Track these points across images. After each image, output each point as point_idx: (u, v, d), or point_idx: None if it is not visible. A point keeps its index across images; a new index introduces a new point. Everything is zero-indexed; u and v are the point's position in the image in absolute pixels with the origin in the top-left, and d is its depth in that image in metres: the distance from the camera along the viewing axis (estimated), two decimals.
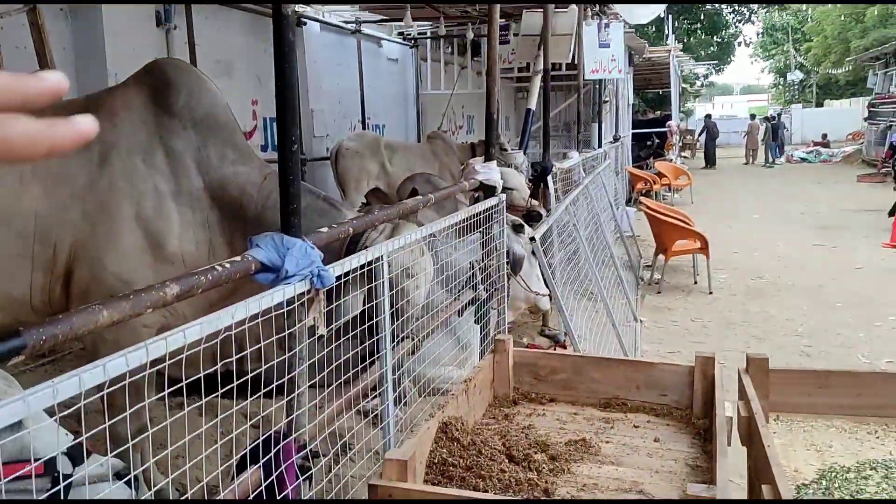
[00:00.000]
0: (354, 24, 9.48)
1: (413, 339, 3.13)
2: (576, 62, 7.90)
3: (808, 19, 41.54)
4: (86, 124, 0.44)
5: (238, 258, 1.89)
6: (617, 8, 8.03)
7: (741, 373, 2.71)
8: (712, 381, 2.76)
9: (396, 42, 11.29)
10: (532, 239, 3.82)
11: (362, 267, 2.38)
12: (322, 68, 9.02)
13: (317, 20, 8.90)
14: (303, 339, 2.04)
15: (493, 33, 3.69)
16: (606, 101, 10.28)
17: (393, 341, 3.03)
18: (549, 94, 5.79)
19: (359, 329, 2.59)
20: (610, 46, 8.71)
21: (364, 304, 2.55)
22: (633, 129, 19.65)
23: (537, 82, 8.10)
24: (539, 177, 5.74)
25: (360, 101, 9.72)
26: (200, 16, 6.81)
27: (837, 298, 7.18)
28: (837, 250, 9.57)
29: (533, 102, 8.07)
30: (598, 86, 9.91)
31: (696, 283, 7.93)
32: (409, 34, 11.49)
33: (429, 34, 11.30)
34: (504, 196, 3.83)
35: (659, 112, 26.66)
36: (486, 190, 3.72)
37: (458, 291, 3.70)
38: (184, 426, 1.66)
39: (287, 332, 2.02)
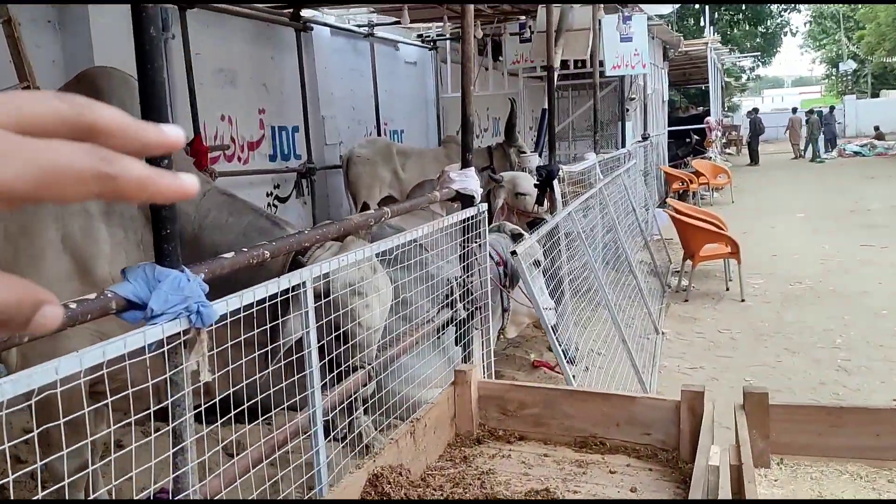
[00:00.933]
0: (367, 28, 9.21)
1: (370, 368, 2.80)
2: (597, 58, 7.47)
3: (860, 6, 39.95)
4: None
5: (93, 295, 1.59)
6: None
7: (736, 410, 2.32)
8: (701, 419, 2.37)
9: (414, 45, 11.00)
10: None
11: (286, 292, 2.07)
12: (334, 74, 8.78)
13: (327, 24, 8.66)
14: (183, 386, 1.74)
15: (466, 30, 3.35)
16: (633, 98, 9.81)
17: (339, 370, 2.72)
18: (553, 92, 5.41)
19: (294, 356, 2.28)
20: (633, 40, 8.28)
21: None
22: (672, 126, 19.09)
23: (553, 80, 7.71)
24: (545, 181, 5.36)
25: (374, 106, 9.44)
26: (201, 24, 6.61)
27: (883, 306, 6.61)
28: (887, 251, 8.92)
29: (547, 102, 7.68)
30: (621, 83, 9.44)
31: (727, 289, 7.43)
32: (429, 36, 11.20)
33: (448, 35, 10.98)
34: (484, 206, 3.48)
35: (702, 108, 25.84)
36: (464, 200, 3.37)
37: (435, 309, 3.37)
38: None
39: (165, 376, 1.72)
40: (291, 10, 7.52)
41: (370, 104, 9.49)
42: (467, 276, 3.35)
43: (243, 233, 2.73)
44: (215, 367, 1.83)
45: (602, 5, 7.54)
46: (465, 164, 3.40)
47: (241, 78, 7.21)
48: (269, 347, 2.23)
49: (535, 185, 5.53)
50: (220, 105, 6.88)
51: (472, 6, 3.45)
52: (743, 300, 7.02)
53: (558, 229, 4.99)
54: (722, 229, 7.57)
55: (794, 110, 26.56)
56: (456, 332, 3.37)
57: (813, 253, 9.08)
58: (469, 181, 3.32)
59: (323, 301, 2.39)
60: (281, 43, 7.76)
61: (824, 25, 43.54)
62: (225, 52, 6.95)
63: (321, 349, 2.65)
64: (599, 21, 7.87)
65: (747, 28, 31.80)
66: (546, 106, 7.69)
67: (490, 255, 4.47)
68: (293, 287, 2.02)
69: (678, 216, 7.33)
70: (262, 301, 1.94)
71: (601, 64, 8.07)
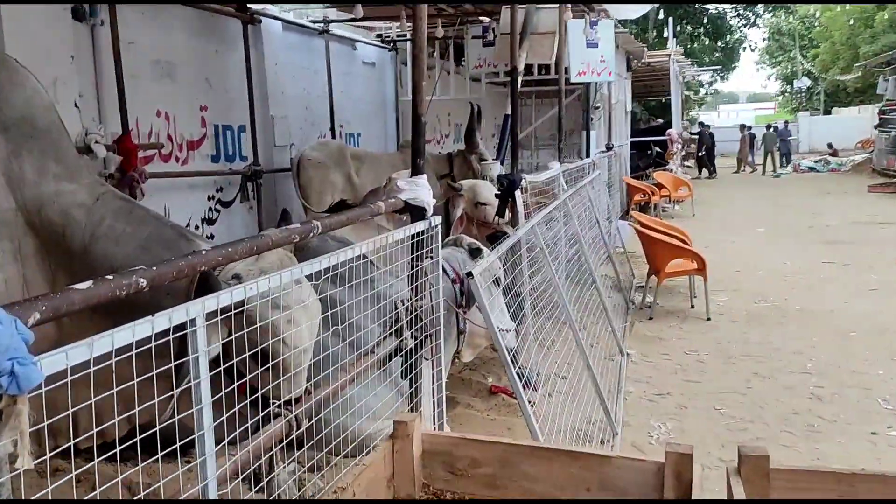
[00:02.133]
0: (322, 24, 8.74)
1: (294, 413, 2.36)
2: (563, 64, 7.14)
3: (816, 24, 40.69)
4: None
5: None
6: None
7: (730, 474, 1.94)
8: (689, 486, 1.99)
9: (373, 44, 10.56)
10: (469, 275, 3.05)
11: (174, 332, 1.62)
12: (285, 71, 8.27)
13: (278, 18, 8.17)
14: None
15: (417, 32, 2.95)
16: (598, 107, 9.52)
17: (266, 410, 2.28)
18: (516, 96, 5.03)
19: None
20: (598, 46, 7.97)
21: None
22: (633, 137, 18.97)
23: (516, 86, 7.34)
24: (506, 191, 4.98)
25: (329, 107, 8.97)
26: (135, 11, 6.07)
27: (851, 326, 6.38)
28: (849, 269, 8.76)
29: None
30: (586, 91, 9.13)
31: (692, 307, 7.14)
32: (388, 36, 10.77)
33: (408, 36, 10.57)
34: (437, 219, 3.06)
35: (662, 120, 25.86)
36: (414, 212, 2.96)
37: (381, 335, 2.94)
38: None
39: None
40: (237, 2, 7.03)
41: (325, 105, 9.01)
42: (416, 300, 2.92)
43: (143, 245, 2.31)
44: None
45: (569, 7, 7.20)
46: (416, 172, 2.99)
47: (181, 71, 6.67)
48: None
49: (497, 195, 5.14)
50: (157, 100, 6.34)
51: (424, 6, 3.04)
52: (709, 319, 6.74)
53: (520, 244, 4.61)
54: (687, 244, 7.29)
55: (742, 127, 26.75)
56: (402, 363, 2.95)
57: (775, 269, 8.88)
58: (419, 191, 2.90)
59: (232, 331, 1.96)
60: (226, 36, 7.25)
61: (781, 42, 44.27)
62: (163, 43, 6.40)
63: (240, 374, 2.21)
64: (565, 24, 7.54)
65: (707, 42, 32.05)
66: (508, 111, 7.34)
67: (445, 271, 4.07)
68: (176, 328, 1.57)
69: (643, 230, 7.02)
70: (127, 348, 1.47)
71: (566, 70, 7.73)
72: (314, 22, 8.76)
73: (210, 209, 7.10)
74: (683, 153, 25.49)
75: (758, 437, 4.26)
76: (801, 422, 4.46)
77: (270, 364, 2.25)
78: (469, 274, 3.02)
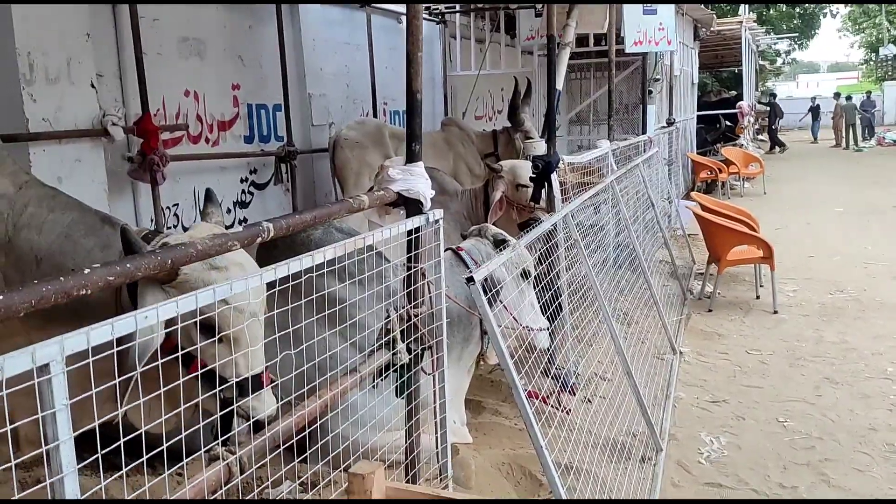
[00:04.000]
0: None
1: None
2: (612, 34, 6.55)
3: None
4: None
5: None
6: None
7: None
8: None
9: (423, 19, 10.08)
10: (469, 280, 2.62)
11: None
12: (324, 48, 7.93)
13: None
14: None
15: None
16: (658, 80, 8.85)
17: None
18: (553, 69, 4.53)
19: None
20: (657, 13, 7.33)
21: None
22: (702, 110, 18.07)
23: (565, 57, 6.80)
24: (541, 174, 4.50)
25: (370, 84, 8.59)
26: None
27: None
28: None
29: (560, 81, 6.77)
30: (643, 62, 8.49)
31: (758, 297, 6.52)
32: (437, 9, 10.30)
33: (458, 8, 10.08)
34: (438, 213, 2.65)
35: (735, 92, 24.58)
36: (409, 204, 2.55)
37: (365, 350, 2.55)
38: None
39: None
40: None
41: (367, 82, 8.64)
42: (411, 307, 2.52)
43: (66, 233, 2.15)
44: None
45: None
46: (411, 158, 2.58)
47: (212, 49, 6.38)
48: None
49: (531, 179, 4.67)
50: (185, 79, 6.07)
51: None
52: (776, 312, 6.12)
53: (556, 232, 4.15)
54: (754, 229, 6.65)
55: (837, 95, 25.14)
56: (396, 379, 2.56)
57: (854, 255, 8.11)
58: (415, 181, 2.49)
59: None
60: (261, 11, 6.93)
61: (865, 7, 41.61)
62: (191, 20, 6.12)
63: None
64: None
65: (784, 9, 30.25)
66: (558, 86, 6.81)
67: (466, 265, 3.67)
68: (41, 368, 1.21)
69: (703, 214, 6.43)
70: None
71: (620, 40, 7.13)
72: None
73: (243, 192, 6.85)
74: (757, 127, 24.27)
75: (827, 457, 3.72)
76: (878, 440, 3.88)
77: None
78: (469, 279, 2.59)
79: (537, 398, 4.31)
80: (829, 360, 5.05)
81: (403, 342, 2.51)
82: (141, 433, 1.64)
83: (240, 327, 1.98)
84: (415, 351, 2.56)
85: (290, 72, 7.19)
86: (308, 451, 2.81)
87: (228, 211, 6.64)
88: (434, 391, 2.72)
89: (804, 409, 4.29)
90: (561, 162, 4.57)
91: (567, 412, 4.26)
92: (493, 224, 4.92)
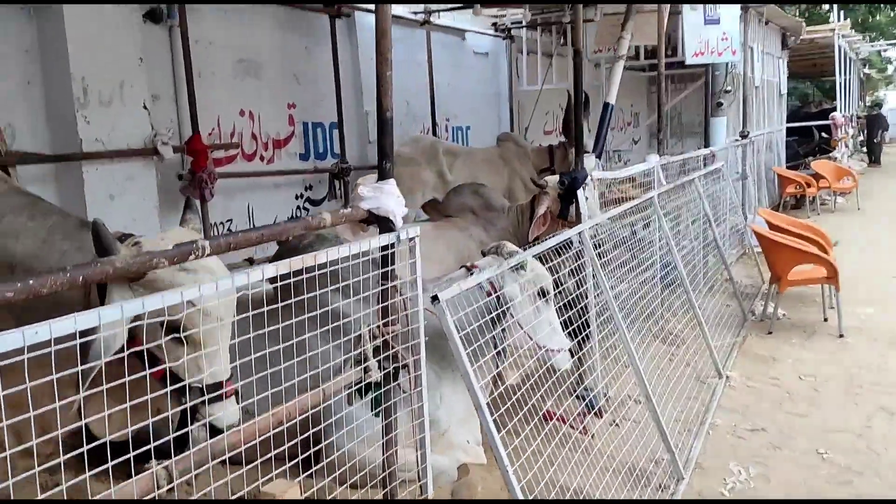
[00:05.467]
0: (423, 15, 8.42)
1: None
2: (662, 43, 6.35)
3: None
4: None
5: None
6: None
7: None
8: None
9: (485, 34, 10.11)
10: (434, 299, 2.56)
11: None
12: None
13: (372, 11, 7.93)
14: None
15: (381, 14, 2.54)
16: (728, 91, 8.51)
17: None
18: (580, 80, 4.42)
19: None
20: (720, 23, 7.07)
21: None
22: (801, 121, 17.33)
23: (618, 70, 6.64)
24: (567, 191, 4.41)
25: (430, 100, 8.66)
26: (217, 11, 6.06)
27: None
28: None
29: (613, 95, 6.62)
30: (707, 73, 8.18)
31: (825, 320, 6.13)
32: (503, 24, 10.29)
33: (524, 23, 10.03)
34: (411, 231, 2.62)
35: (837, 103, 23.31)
36: (381, 222, 2.54)
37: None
38: None
39: None
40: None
41: (427, 99, 8.72)
42: (380, 325, 2.50)
43: (44, 238, 2.24)
44: None
45: None
46: (382, 175, 2.57)
47: (268, 69, 6.61)
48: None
49: (559, 196, 4.58)
50: (239, 99, 6.31)
51: None
52: (841, 336, 5.73)
53: (568, 248, 4.05)
54: (823, 248, 6.25)
55: None
56: (366, 395, 2.54)
57: None
58: (385, 198, 2.48)
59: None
60: (317, 31, 7.12)
61: None
62: (246, 42, 6.36)
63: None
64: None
65: (893, 13, 28.43)
66: (608, 99, 6.66)
67: (480, 283, 3.61)
68: None
69: (763, 231, 6.11)
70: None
71: (672, 51, 6.92)
72: (414, 13, 8.46)
73: (298, 208, 7.02)
74: (861, 139, 22.94)
75: (862, 493, 3.44)
76: None
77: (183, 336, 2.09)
78: (434, 298, 2.53)
79: (552, 418, 4.20)
80: (888, 388, 4.68)
81: (375, 359, 2.49)
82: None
83: (204, 328, 2.03)
84: (386, 369, 2.53)
85: (347, 90, 7.35)
86: (313, 468, 2.84)
87: None
88: (411, 411, 2.69)
89: (849, 441, 3.99)
90: (588, 178, 4.45)
91: (587, 433, 4.13)
92: (536, 239, 4.85)
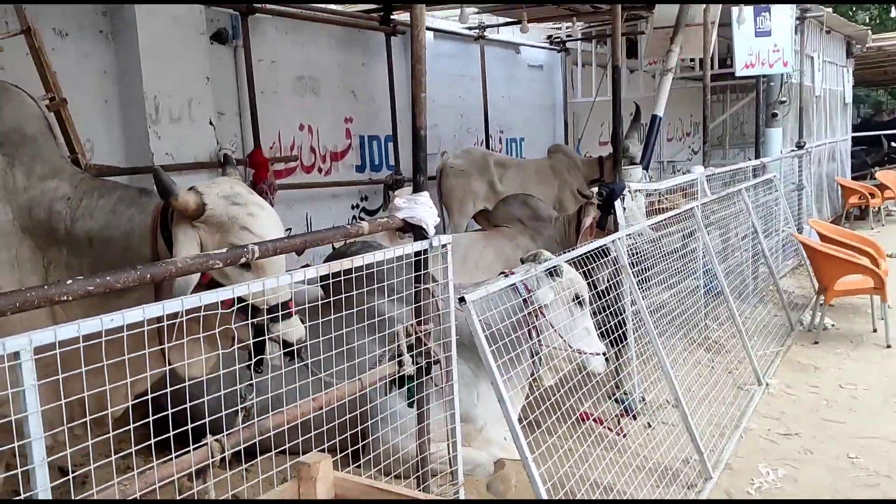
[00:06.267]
0: (478, 31, 8.69)
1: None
2: (709, 55, 6.46)
3: None
4: None
5: None
6: None
7: None
8: None
9: (541, 47, 10.32)
10: (461, 300, 2.76)
11: None
12: (437, 80, 8.34)
13: (436, 29, 8.26)
14: None
15: (416, 24, 2.79)
16: (783, 102, 8.48)
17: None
18: (619, 95, 4.59)
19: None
20: (771, 34, 7.12)
21: None
22: (867, 131, 16.99)
23: (667, 83, 6.77)
24: (605, 202, 4.58)
25: (483, 113, 8.91)
26: (278, 30, 6.47)
27: None
28: None
29: (661, 108, 6.75)
30: (757, 83, 8.18)
31: (874, 330, 6.10)
32: (557, 37, 10.48)
33: (579, 35, 10.20)
34: (444, 238, 2.84)
35: None
36: (415, 230, 2.78)
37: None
38: None
39: None
40: (381, 14, 7.21)
41: (481, 112, 8.97)
42: (413, 323, 2.75)
43: (112, 209, 2.50)
44: None
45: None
46: (417, 188, 2.81)
47: (326, 86, 6.98)
48: None
49: (599, 207, 4.76)
50: (299, 114, 6.70)
51: None
52: (888, 346, 5.71)
53: (619, 257, 4.21)
54: (874, 259, 6.22)
55: None
56: (401, 386, 2.78)
57: None
58: (418, 209, 2.72)
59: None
60: (375, 48, 7.47)
61: None
62: (306, 60, 6.75)
63: None
64: (736, 12, 6.82)
65: None
66: (657, 112, 6.79)
67: (517, 289, 3.82)
68: None
69: (808, 242, 6.14)
70: None
71: (720, 63, 6.98)
72: (469, 28, 8.74)
73: (353, 217, 7.35)
74: None
75: (887, 493, 3.51)
76: None
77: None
78: (461, 300, 2.75)
79: (588, 419, 4.37)
80: None
81: (409, 354, 2.74)
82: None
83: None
84: (418, 364, 2.77)
85: (402, 104, 7.67)
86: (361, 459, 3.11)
87: None
88: (443, 403, 2.92)
89: (881, 447, 4.03)
90: (627, 189, 4.61)
91: (622, 435, 4.28)
92: None
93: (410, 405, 2.85)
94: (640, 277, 4.59)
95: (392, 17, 7.32)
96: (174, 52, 5.23)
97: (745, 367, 5.24)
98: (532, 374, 3.97)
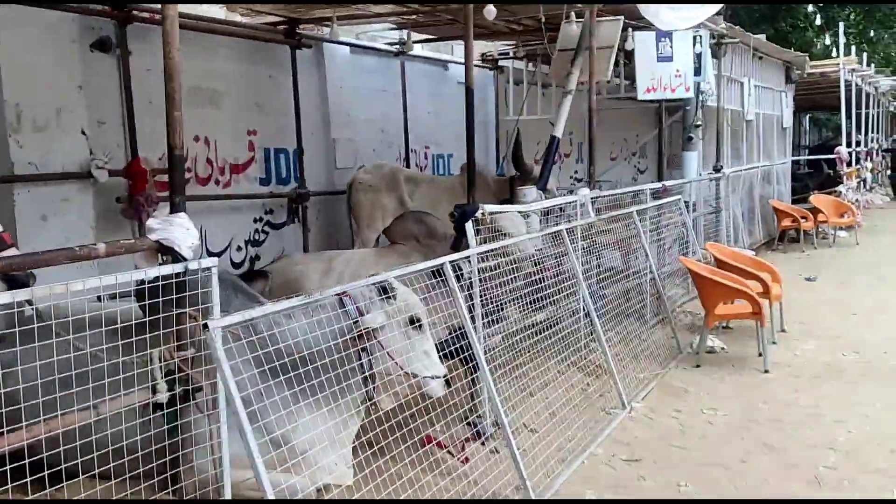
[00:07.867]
0: (398, 47, 8.67)
1: None
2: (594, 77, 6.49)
3: None
4: None
5: None
6: (641, 9, 6.46)
7: None
8: None
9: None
10: (204, 327, 2.65)
11: None
12: (355, 94, 8.32)
13: (348, 44, 8.24)
14: None
15: (169, 62, 2.74)
16: (699, 125, 8.54)
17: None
18: (472, 115, 4.57)
19: None
20: (673, 60, 7.16)
21: None
22: (823, 154, 17.45)
23: (566, 105, 6.77)
24: (457, 223, 4.55)
25: (403, 128, 8.89)
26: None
27: None
28: None
29: (560, 129, 6.74)
30: (657, 107, 8.23)
31: (759, 354, 6.09)
32: (490, 55, 10.50)
33: (511, 54, 10.21)
34: (205, 262, 2.76)
35: (875, 135, 22.72)
36: (172, 253, 2.70)
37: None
38: None
39: None
40: (286, 27, 7.17)
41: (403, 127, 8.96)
42: (167, 349, 2.67)
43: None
44: None
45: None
46: (173, 209, 2.75)
47: (228, 97, 6.90)
48: None
49: (454, 228, 4.73)
50: (195, 126, 6.60)
51: None
52: (766, 371, 5.71)
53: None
54: (765, 284, 6.22)
55: None
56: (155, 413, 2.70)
57: None
58: (173, 230, 2.65)
59: None
60: (283, 61, 7.40)
61: None
62: (204, 71, 6.66)
63: None
64: (628, 38, 6.87)
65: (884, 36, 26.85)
66: (555, 133, 6.78)
67: (346, 309, 3.76)
68: None
69: (691, 265, 6.14)
70: None
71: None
72: (390, 44, 8.72)
73: (257, 231, 7.26)
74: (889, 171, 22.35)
75: None
76: None
77: None
78: (205, 326, 2.63)
79: (430, 442, 4.31)
80: (783, 424, 4.65)
81: (163, 380, 2.66)
82: None
83: None
84: (174, 391, 2.69)
85: (314, 118, 7.64)
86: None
87: (239, 248, 7.08)
88: (207, 431, 2.84)
89: (713, 474, 4.00)
90: (480, 211, 4.58)
91: (467, 462, 4.22)
92: None
93: (170, 431, 2.77)
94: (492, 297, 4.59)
95: (297, 30, 7.28)
96: (40, 60, 5.14)
97: (623, 390, 5.21)
98: (370, 397, 3.90)
